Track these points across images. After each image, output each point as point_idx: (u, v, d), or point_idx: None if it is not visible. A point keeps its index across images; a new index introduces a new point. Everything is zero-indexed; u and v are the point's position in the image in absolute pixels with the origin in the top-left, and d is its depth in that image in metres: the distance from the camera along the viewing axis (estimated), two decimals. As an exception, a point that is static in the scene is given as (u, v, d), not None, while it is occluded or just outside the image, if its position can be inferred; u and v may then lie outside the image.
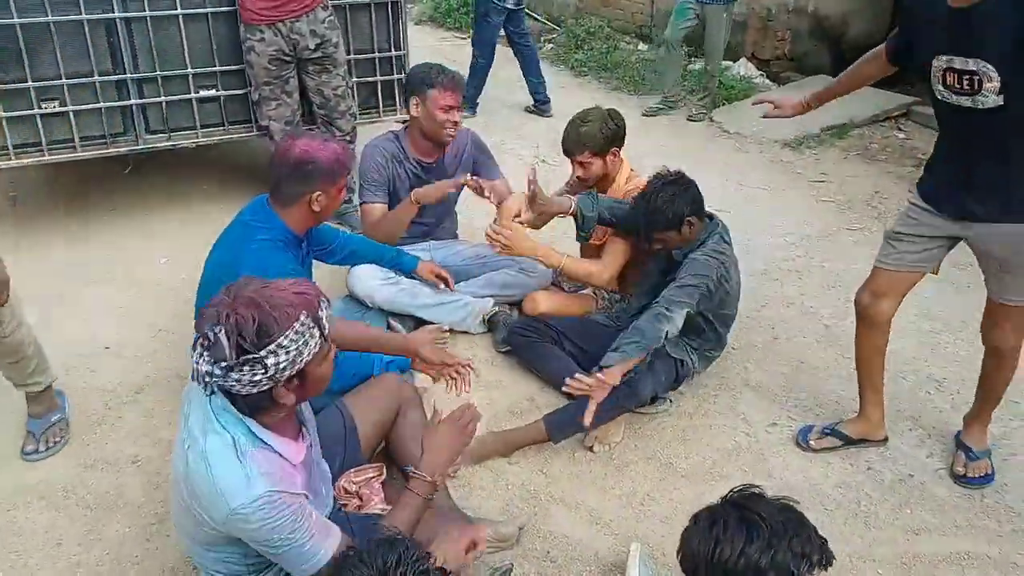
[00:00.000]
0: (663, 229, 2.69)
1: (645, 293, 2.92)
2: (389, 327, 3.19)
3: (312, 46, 3.84)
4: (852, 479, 2.61)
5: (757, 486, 1.60)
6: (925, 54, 2.21)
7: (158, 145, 4.03)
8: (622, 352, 2.54)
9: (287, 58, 3.84)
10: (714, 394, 3.00)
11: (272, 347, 1.49)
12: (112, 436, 2.79)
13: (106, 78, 3.80)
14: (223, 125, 4.11)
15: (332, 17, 3.92)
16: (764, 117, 2.81)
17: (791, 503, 1.56)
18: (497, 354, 3.19)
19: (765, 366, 3.17)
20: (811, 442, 2.74)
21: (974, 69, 2.09)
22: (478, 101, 6.08)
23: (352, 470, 2.19)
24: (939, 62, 2.16)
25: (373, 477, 2.25)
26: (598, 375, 2.49)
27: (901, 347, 3.26)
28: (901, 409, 2.92)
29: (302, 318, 1.53)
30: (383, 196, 3.28)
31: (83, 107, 3.79)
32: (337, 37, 3.94)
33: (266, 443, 1.62)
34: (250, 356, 1.48)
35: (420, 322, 3.24)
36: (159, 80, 3.89)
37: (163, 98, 3.93)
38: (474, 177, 3.25)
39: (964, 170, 2.29)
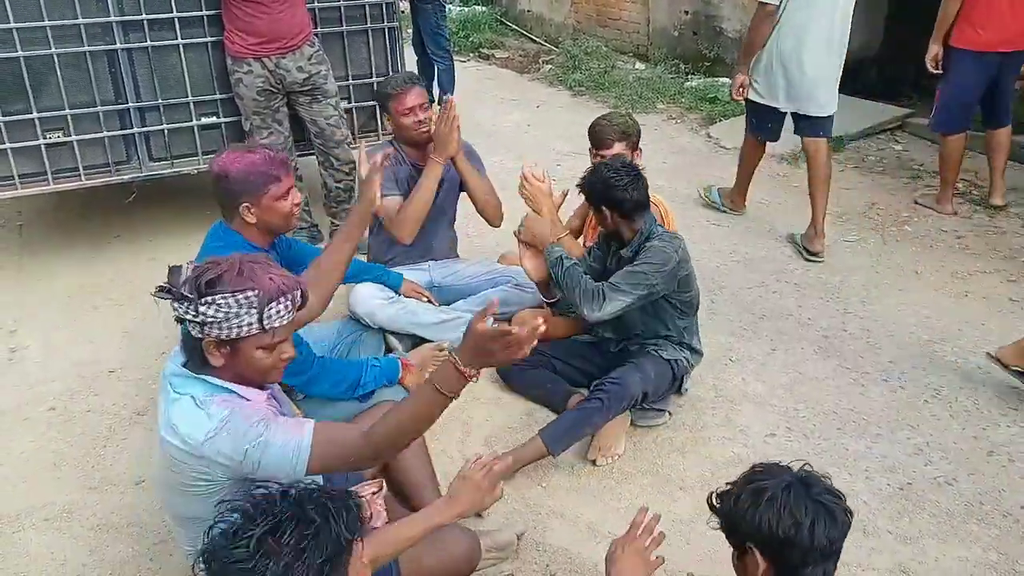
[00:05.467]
0: (592, 202, 2.83)
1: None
2: (387, 345, 3.23)
3: (300, 80, 3.88)
4: (850, 488, 2.60)
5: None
6: None
7: (161, 172, 4.08)
8: (557, 264, 2.77)
9: (275, 89, 3.88)
10: (712, 407, 3.02)
11: (209, 298, 1.64)
12: (116, 458, 2.82)
13: (109, 108, 3.86)
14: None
15: (319, 51, 3.96)
16: None
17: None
18: (495, 371, 3.22)
19: (763, 377, 3.19)
20: None
21: None
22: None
23: (352, 487, 2.21)
24: None
25: (375, 492, 2.27)
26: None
27: (901, 355, 3.29)
28: (900, 418, 2.94)
29: (249, 294, 1.65)
30: (396, 190, 3.27)
31: (87, 136, 3.86)
32: (326, 69, 3.98)
33: (226, 388, 1.73)
34: (189, 295, 1.65)
35: (420, 340, 3.28)
36: (161, 108, 3.96)
37: (165, 126, 3.99)
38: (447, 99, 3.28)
39: None
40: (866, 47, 6.79)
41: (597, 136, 3.17)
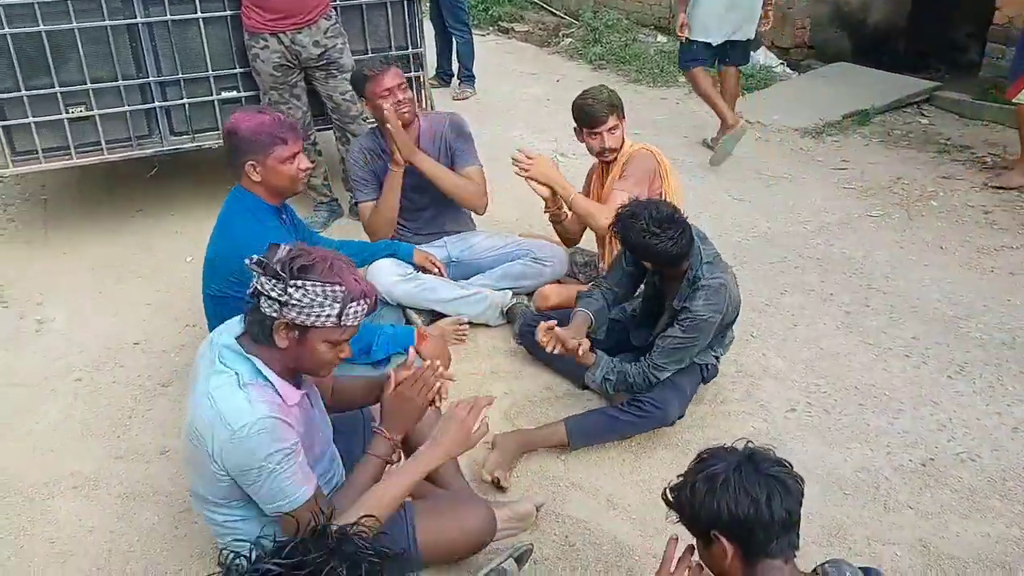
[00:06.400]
0: (635, 254, 2.67)
1: (637, 316, 2.95)
2: (406, 318, 3.24)
3: (315, 55, 3.87)
4: (871, 464, 2.60)
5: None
6: None
7: (182, 146, 4.10)
8: (604, 384, 2.69)
9: (292, 64, 3.88)
10: (732, 382, 3.00)
11: (299, 283, 1.68)
12: (141, 428, 2.86)
13: (130, 82, 3.87)
14: (245, 125, 4.17)
15: (336, 24, 3.94)
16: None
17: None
18: (516, 345, 3.22)
19: (784, 353, 3.17)
20: None
21: None
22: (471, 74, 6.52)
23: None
24: None
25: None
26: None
27: (925, 331, 3.25)
28: (923, 393, 2.91)
29: (336, 288, 1.70)
30: (372, 193, 3.34)
31: (108, 111, 3.88)
32: (342, 43, 3.96)
33: (266, 378, 1.76)
34: (283, 274, 1.68)
35: (439, 315, 3.29)
36: (181, 83, 3.97)
37: (186, 100, 4.00)
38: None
39: None
40: (892, 20, 6.67)
41: (589, 116, 3.09)
